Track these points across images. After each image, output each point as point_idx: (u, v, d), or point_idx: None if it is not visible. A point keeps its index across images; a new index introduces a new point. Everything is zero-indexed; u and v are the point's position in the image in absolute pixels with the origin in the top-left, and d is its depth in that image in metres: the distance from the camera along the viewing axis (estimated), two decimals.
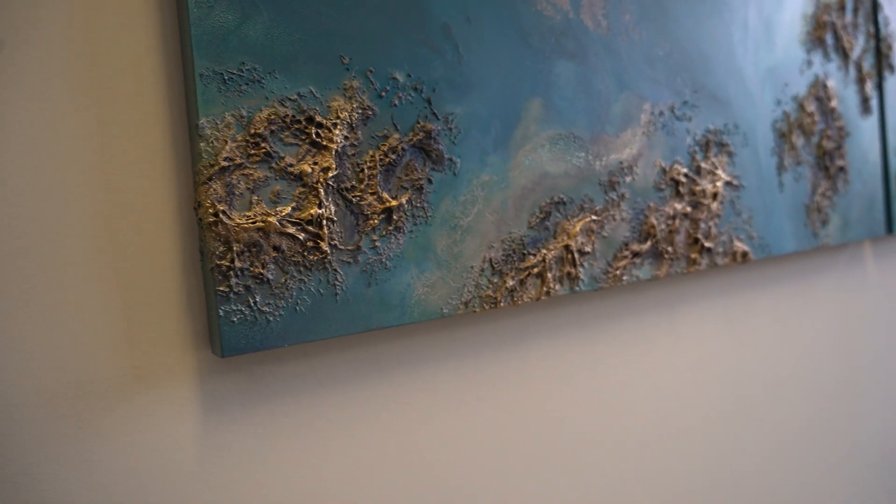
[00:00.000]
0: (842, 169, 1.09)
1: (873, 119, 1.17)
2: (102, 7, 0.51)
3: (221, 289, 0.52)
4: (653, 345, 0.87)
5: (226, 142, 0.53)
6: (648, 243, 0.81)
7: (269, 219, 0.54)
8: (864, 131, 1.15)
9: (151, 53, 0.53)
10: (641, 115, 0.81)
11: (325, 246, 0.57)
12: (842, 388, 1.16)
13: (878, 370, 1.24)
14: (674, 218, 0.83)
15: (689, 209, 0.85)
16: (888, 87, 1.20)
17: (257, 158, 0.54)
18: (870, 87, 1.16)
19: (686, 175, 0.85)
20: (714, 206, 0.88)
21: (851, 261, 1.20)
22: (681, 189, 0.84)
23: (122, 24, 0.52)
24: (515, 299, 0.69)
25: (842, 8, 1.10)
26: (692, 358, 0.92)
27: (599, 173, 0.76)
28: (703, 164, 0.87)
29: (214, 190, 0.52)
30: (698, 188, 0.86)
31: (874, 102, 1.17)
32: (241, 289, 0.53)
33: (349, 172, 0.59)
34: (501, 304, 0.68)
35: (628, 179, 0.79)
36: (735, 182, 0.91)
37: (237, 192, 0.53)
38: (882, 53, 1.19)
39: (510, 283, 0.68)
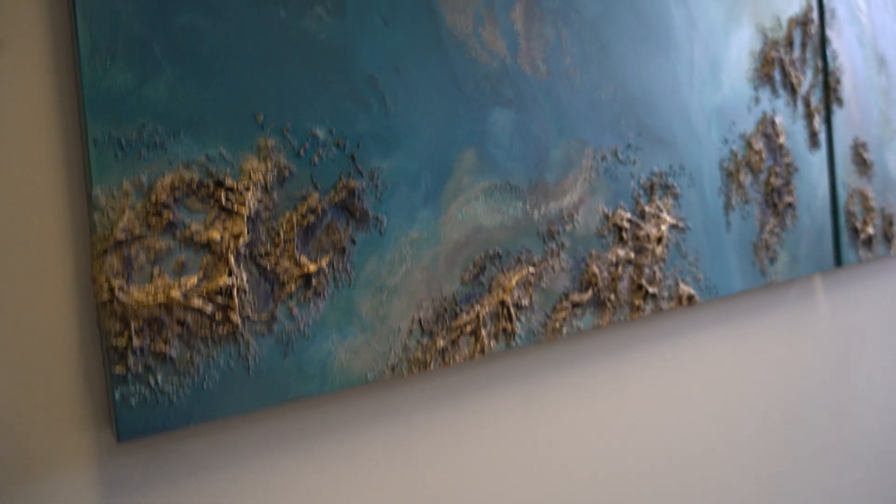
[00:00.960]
0: (790, 205, 1.09)
1: (821, 153, 1.17)
2: None
3: (118, 369, 0.49)
4: (597, 394, 0.85)
5: (123, 211, 0.49)
6: (590, 292, 0.79)
7: (173, 292, 0.51)
8: (813, 165, 1.15)
9: (47, 116, 0.49)
10: (583, 161, 0.79)
11: (235, 317, 0.54)
12: (794, 425, 1.15)
13: (830, 403, 1.24)
14: (616, 265, 0.82)
15: (632, 255, 0.84)
16: (836, 121, 1.20)
17: (159, 228, 0.51)
18: (818, 121, 1.16)
19: (629, 220, 0.84)
20: (658, 250, 0.87)
21: (801, 295, 1.20)
22: (624, 235, 0.83)
23: (16, 83, 0.48)
24: (447, 360, 0.66)
25: (790, 44, 1.10)
26: (638, 405, 0.90)
27: (538, 223, 0.74)
28: (647, 208, 0.86)
29: (110, 264, 0.48)
30: (642, 233, 0.85)
31: (822, 136, 1.17)
32: (140, 368, 0.50)
33: (263, 237, 0.55)
34: (431, 367, 0.65)
35: (568, 228, 0.77)
36: (680, 224, 0.90)
37: (137, 265, 0.50)
38: (830, 87, 1.19)
39: (441, 343, 0.66)
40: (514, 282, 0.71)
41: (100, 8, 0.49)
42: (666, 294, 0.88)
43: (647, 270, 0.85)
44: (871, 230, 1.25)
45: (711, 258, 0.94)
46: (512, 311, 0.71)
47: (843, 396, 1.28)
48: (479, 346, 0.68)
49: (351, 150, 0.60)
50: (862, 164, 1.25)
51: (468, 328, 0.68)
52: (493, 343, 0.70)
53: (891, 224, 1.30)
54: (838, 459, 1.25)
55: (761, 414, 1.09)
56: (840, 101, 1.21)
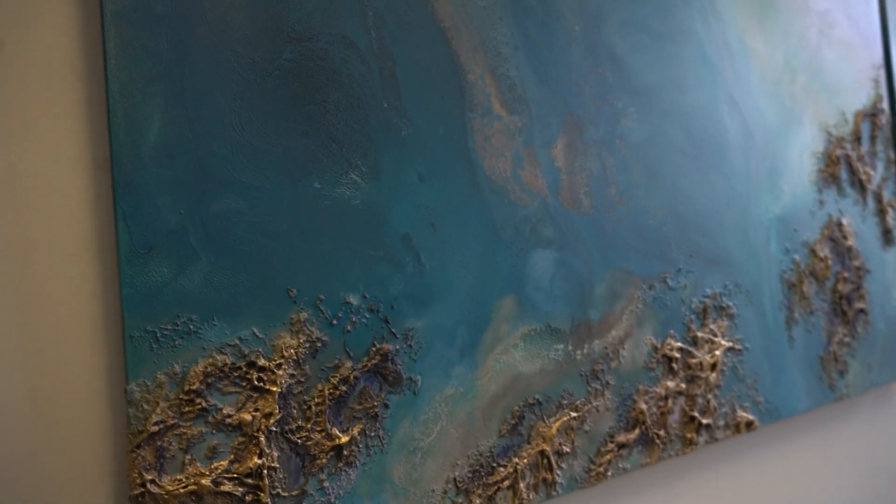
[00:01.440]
0: (861, 311, 1.02)
1: None
2: (37, 275, 0.50)
3: None
4: None
5: (157, 403, 0.50)
6: (636, 431, 0.75)
7: (203, 480, 0.51)
8: (888, 264, 1.07)
9: (88, 311, 0.51)
10: (629, 292, 0.76)
11: (265, 497, 0.53)
12: None
13: None
14: (666, 398, 0.78)
15: (683, 386, 0.80)
16: None
17: (192, 416, 0.51)
18: (892, 216, 1.08)
19: (680, 349, 0.80)
20: (712, 377, 0.82)
21: (876, 406, 1.11)
22: (674, 365, 0.79)
23: (58, 285, 0.50)
24: None
25: (857, 139, 1.04)
26: None
27: (580, 363, 0.72)
28: (699, 334, 0.82)
29: (143, 457, 0.49)
30: (694, 361, 0.81)
31: None
32: None
33: (295, 412, 0.55)
34: None
35: (613, 365, 0.74)
36: (737, 346, 0.85)
37: (169, 455, 0.50)
38: None
39: (477, 501, 0.64)
40: (554, 429, 0.69)
41: (140, 204, 0.50)
42: (721, 423, 0.83)
43: (700, 400, 0.81)
44: None
45: (772, 378, 0.89)
46: (552, 459, 0.68)
47: None
48: (517, 500, 0.66)
49: (385, 312, 0.60)
50: None
51: (506, 483, 0.66)
52: (531, 495, 0.67)
53: None
54: None
55: None
56: None
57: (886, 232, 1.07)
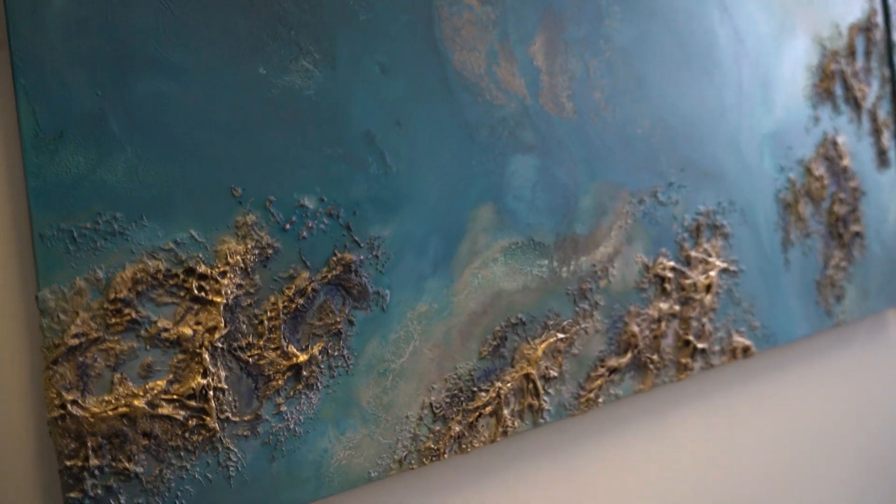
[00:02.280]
0: (857, 234, 0.96)
1: (892, 172, 1.04)
2: None
3: (73, 495, 0.42)
4: (640, 464, 0.75)
5: (76, 313, 0.43)
6: (629, 355, 0.69)
7: (136, 402, 0.44)
8: (882, 187, 1.02)
9: None
10: (617, 206, 0.69)
11: (212, 422, 0.46)
12: (869, 474, 1.02)
13: None
14: (659, 321, 0.72)
15: (677, 308, 0.73)
16: None
17: (120, 328, 0.44)
18: (887, 137, 1.03)
19: (673, 268, 0.74)
20: (708, 299, 0.76)
21: (871, 333, 1.06)
22: (667, 286, 0.73)
23: None
24: (464, 446, 0.58)
25: (851, 53, 0.98)
26: (689, 470, 0.79)
27: (567, 281, 0.65)
28: (693, 253, 0.76)
29: (61, 375, 0.42)
30: (688, 282, 0.75)
31: (893, 154, 1.04)
32: (99, 491, 0.43)
33: (244, 327, 0.48)
34: (446, 456, 0.57)
35: (602, 284, 0.68)
36: (732, 268, 0.79)
37: (93, 373, 0.43)
38: None
39: (457, 429, 0.57)
40: (540, 352, 0.62)
41: (46, 82, 0.42)
42: (717, 348, 0.77)
43: (694, 323, 0.75)
44: None
45: (769, 303, 0.83)
46: (539, 384, 0.62)
47: None
48: (500, 428, 0.60)
49: (346, 218, 0.53)
50: None
51: (488, 409, 0.59)
52: (517, 422, 0.61)
53: None
54: None
55: (832, 464, 0.97)
56: None
57: (881, 153, 1.02)
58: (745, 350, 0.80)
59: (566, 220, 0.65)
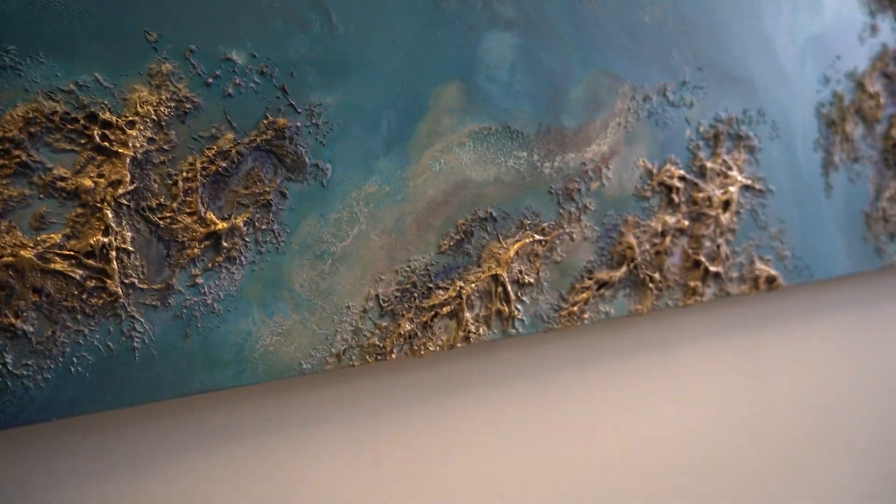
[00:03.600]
0: None
1: None
2: None
3: None
4: (634, 401, 0.67)
5: None
6: (623, 269, 0.61)
7: (23, 252, 0.40)
8: None
9: None
10: (617, 102, 0.61)
11: (114, 286, 0.42)
12: None
13: None
14: (663, 235, 0.63)
15: (686, 223, 0.64)
16: None
17: (8, 171, 0.40)
18: None
19: (683, 178, 0.64)
20: (725, 217, 0.67)
21: None
22: (675, 197, 0.64)
23: None
24: (416, 348, 0.51)
25: None
26: (689, 412, 0.70)
27: (550, 179, 0.57)
28: (709, 164, 0.66)
29: None
30: (701, 195, 0.65)
31: None
32: None
33: (156, 186, 0.43)
34: (394, 355, 0.51)
35: (594, 186, 0.59)
36: (758, 186, 0.69)
37: None
38: None
39: (408, 326, 0.51)
40: (512, 252, 0.55)
41: None
42: (736, 275, 0.68)
43: (707, 243, 0.66)
44: None
45: (802, 231, 0.72)
46: (510, 289, 0.55)
47: None
48: (461, 333, 0.53)
49: (282, 79, 0.47)
50: None
51: (445, 309, 0.52)
52: (482, 329, 0.54)
53: None
54: None
55: (862, 431, 0.85)
56: None
57: None
58: (771, 281, 0.70)
59: (552, 109, 0.57)
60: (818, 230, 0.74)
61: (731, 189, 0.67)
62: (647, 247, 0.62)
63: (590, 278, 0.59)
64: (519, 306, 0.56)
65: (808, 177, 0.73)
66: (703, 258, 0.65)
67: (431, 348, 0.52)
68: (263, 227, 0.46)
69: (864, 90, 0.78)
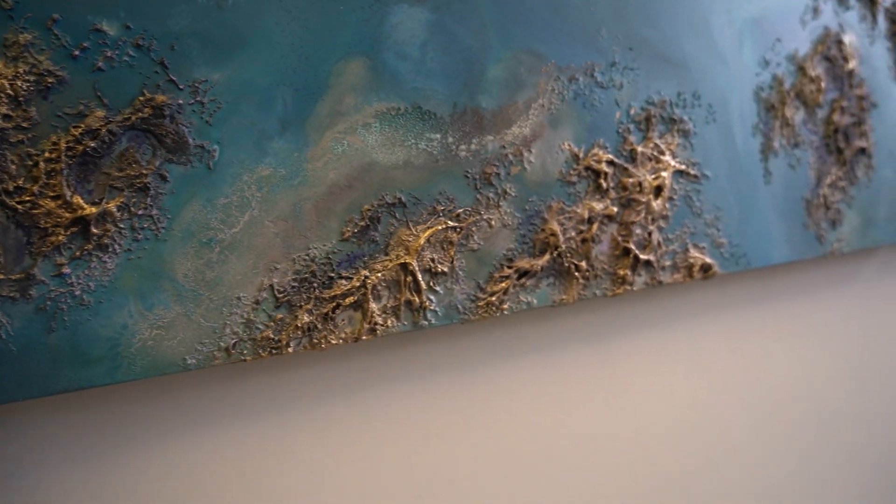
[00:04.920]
0: (863, 151, 0.81)
1: None
2: None
3: None
4: (554, 390, 0.64)
5: None
6: (546, 257, 0.58)
7: None
8: None
9: None
10: (540, 82, 0.58)
11: None
12: (869, 440, 0.88)
13: None
14: (590, 222, 0.60)
15: (615, 209, 0.62)
16: None
17: None
18: None
19: (612, 162, 0.62)
20: (656, 204, 0.64)
21: (882, 272, 0.92)
22: (603, 182, 0.61)
23: None
24: (316, 341, 0.48)
25: None
26: (621, 409, 0.68)
27: (466, 163, 0.54)
28: (640, 148, 0.63)
29: None
30: (632, 181, 0.63)
31: None
32: None
33: (13, 168, 0.40)
34: (290, 349, 0.47)
35: (514, 170, 0.56)
36: (692, 171, 0.67)
37: None
38: None
39: (306, 318, 0.48)
40: (422, 239, 0.52)
41: None
42: (668, 263, 0.65)
43: (638, 230, 0.63)
44: None
45: (740, 218, 0.70)
46: (420, 277, 0.52)
47: None
48: (367, 325, 0.50)
49: (161, 53, 0.43)
50: None
51: (348, 300, 0.49)
52: (390, 321, 0.51)
53: None
54: None
55: (807, 420, 0.83)
56: None
57: None
58: (706, 269, 0.67)
59: (468, 89, 0.54)
60: (756, 217, 0.71)
61: (664, 174, 0.64)
62: (573, 234, 0.59)
63: (510, 267, 0.56)
64: (431, 296, 0.52)
65: (746, 162, 0.71)
66: (632, 246, 0.62)
67: (334, 341, 0.49)
68: (140, 212, 0.43)
69: (806, 74, 0.76)
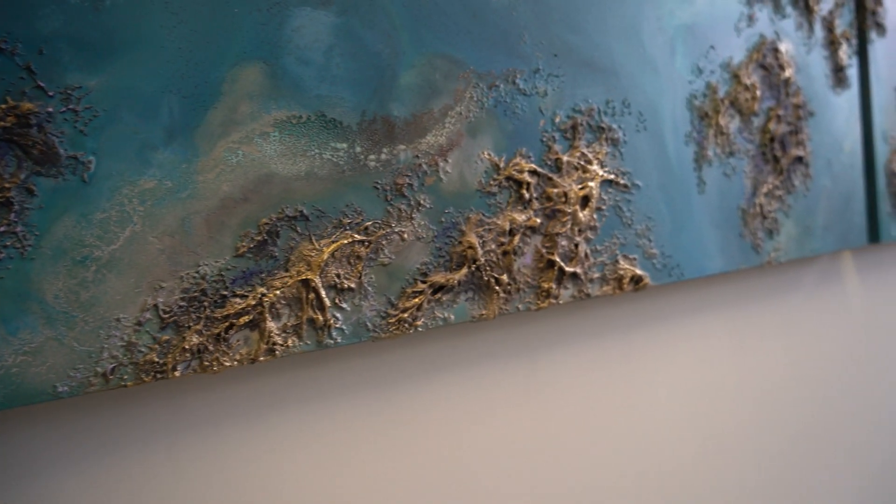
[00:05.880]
0: (800, 160, 0.80)
1: (851, 94, 0.87)
2: None
3: None
4: (476, 412, 0.61)
5: None
6: (464, 270, 0.55)
7: None
8: (838, 110, 0.86)
9: None
10: (456, 89, 0.55)
11: None
12: (796, 449, 0.87)
13: (858, 422, 0.94)
14: (511, 233, 0.58)
15: (538, 220, 0.59)
16: (875, 54, 0.90)
17: None
18: (846, 52, 0.86)
19: (535, 172, 0.59)
20: (584, 214, 0.62)
21: (823, 279, 0.91)
22: (526, 192, 0.59)
23: None
24: (208, 364, 0.45)
25: None
26: (558, 426, 0.66)
27: (375, 173, 0.51)
28: (566, 157, 0.61)
29: None
30: (556, 191, 0.60)
31: (853, 72, 0.88)
32: None
33: None
34: (178, 373, 0.44)
35: (429, 181, 0.54)
36: (622, 181, 0.65)
37: None
38: (867, 9, 0.89)
39: (196, 340, 0.45)
40: (326, 254, 0.49)
41: None
42: (597, 275, 0.63)
43: (564, 242, 0.61)
44: None
45: (673, 228, 0.68)
46: (323, 294, 0.49)
47: (877, 412, 0.98)
48: (265, 345, 0.47)
49: (28, 57, 0.40)
50: None
51: (243, 319, 0.46)
52: (292, 340, 0.48)
53: None
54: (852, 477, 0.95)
55: (755, 433, 0.82)
56: (881, 28, 0.91)
57: (838, 70, 0.85)
58: (637, 280, 0.65)
59: (378, 96, 0.51)
60: (690, 227, 0.70)
61: (591, 184, 0.62)
62: (493, 246, 0.57)
63: (424, 282, 0.53)
64: (337, 314, 0.50)
65: (679, 171, 0.69)
66: (557, 258, 0.60)
67: (227, 363, 0.46)
68: (2, 228, 0.39)
69: (740, 82, 0.74)
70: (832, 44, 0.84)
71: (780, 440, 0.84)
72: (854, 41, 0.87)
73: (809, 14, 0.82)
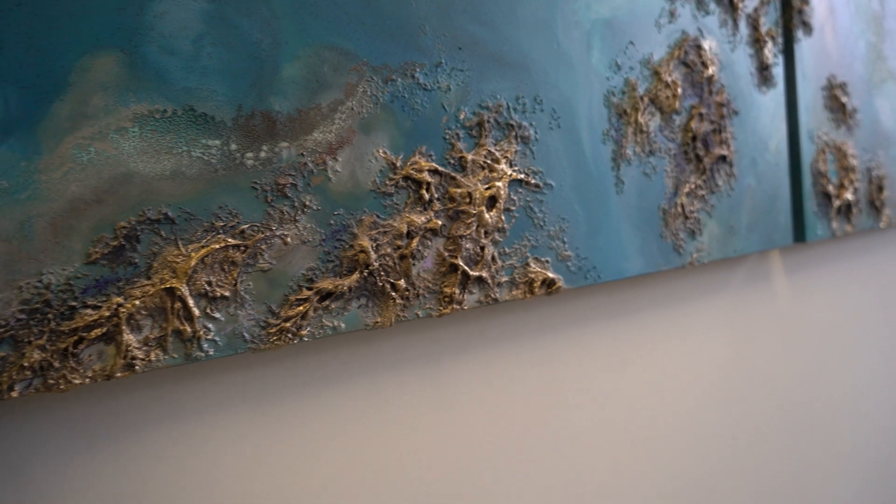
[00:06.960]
0: (723, 159, 0.79)
1: (776, 93, 0.86)
2: None
3: None
4: (369, 429, 0.58)
5: None
6: (356, 276, 0.52)
7: None
8: (763, 109, 0.84)
9: None
10: (346, 83, 0.52)
11: None
12: (731, 453, 0.86)
13: (789, 425, 0.94)
14: (409, 236, 0.54)
15: (439, 222, 0.56)
16: (801, 52, 0.89)
17: None
18: (771, 50, 0.85)
19: (436, 171, 0.56)
20: (490, 216, 0.59)
21: (749, 279, 0.89)
22: (426, 192, 0.55)
23: None
24: (52, 382, 0.41)
25: None
26: (465, 436, 0.63)
27: (254, 172, 0.47)
28: (471, 156, 0.58)
29: None
30: (460, 191, 0.57)
31: (778, 71, 0.86)
32: None
33: None
34: (15, 393, 0.40)
35: (316, 181, 0.50)
36: (533, 180, 0.62)
37: None
38: (793, 7, 0.87)
39: (36, 356, 0.40)
40: (195, 259, 0.45)
41: None
42: (506, 278, 0.60)
43: (468, 245, 0.58)
44: (849, 196, 0.93)
45: (588, 229, 0.66)
46: (190, 303, 0.45)
47: (810, 413, 0.97)
48: (122, 360, 0.43)
49: None
50: (839, 110, 0.94)
51: (95, 332, 0.42)
52: (155, 354, 0.44)
53: (880, 189, 0.98)
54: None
55: (672, 439, 0.80)
56: (808, 27, 0.89)
57: (763, 68, 0.84)
58: (550, 284, 0.63)
59: (256, 90, 0.47)
60: (607, 228, 0.67)
61: (499, 184, 0.59)
62: (389, 250, 0.53)
63: (310, 288, 0.50)
64: (209, 324, 0.46)
65: (595, 171, 0.67)
66: (460, 261, 0.57)
67: (77, 381, 0.41)
68: None
69: (661, 79, 0.72)
70: (757, 42, 0.83)
71: (704, 444, 0.82)
72: (780, 39, 0.86)
73: (734, 11, 0.80)
